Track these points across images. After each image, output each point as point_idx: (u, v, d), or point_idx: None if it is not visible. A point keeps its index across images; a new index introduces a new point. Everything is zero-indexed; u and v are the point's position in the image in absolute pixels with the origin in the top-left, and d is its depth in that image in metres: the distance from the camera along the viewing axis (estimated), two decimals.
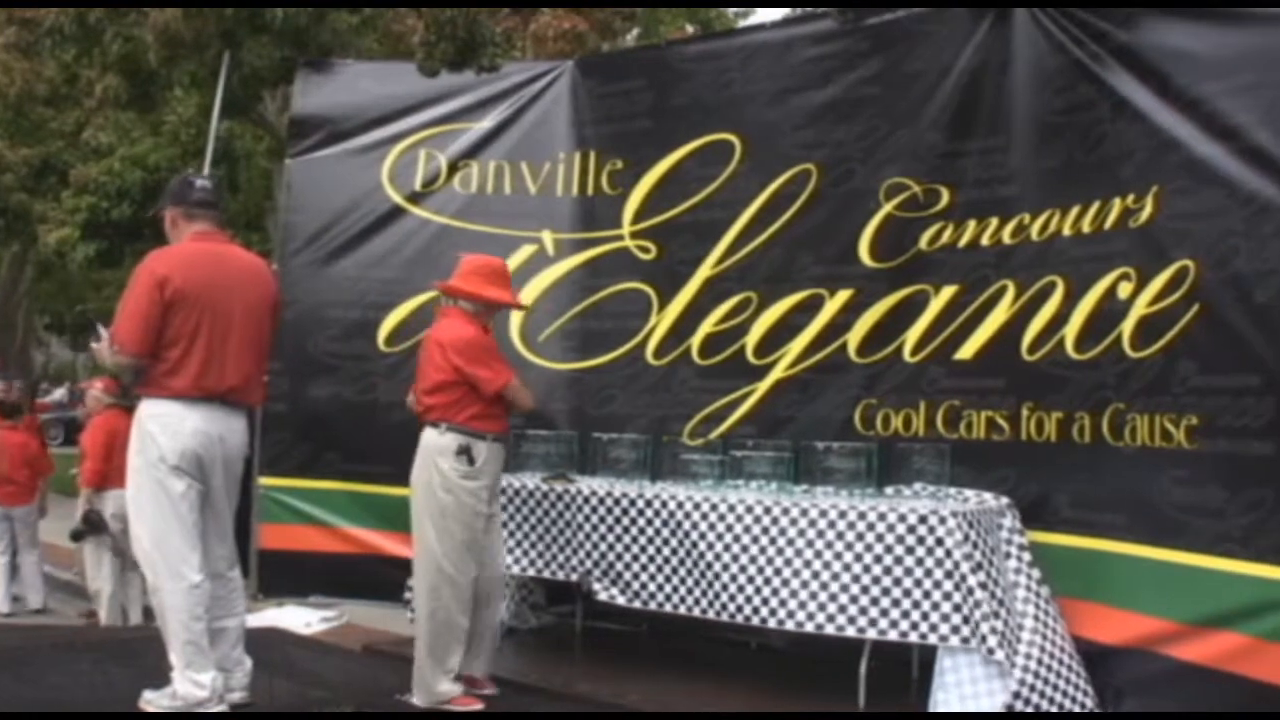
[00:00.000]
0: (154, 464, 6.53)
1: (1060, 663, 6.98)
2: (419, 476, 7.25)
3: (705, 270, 9.49)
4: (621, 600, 7.83)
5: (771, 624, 7.36)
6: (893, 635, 7.01)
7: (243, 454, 6.96)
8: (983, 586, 6.75)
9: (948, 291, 8.40)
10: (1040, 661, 6.88)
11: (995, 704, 6.57)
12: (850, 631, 7.09)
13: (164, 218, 7.00)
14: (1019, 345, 7.91)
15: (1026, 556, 7.36)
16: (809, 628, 7.26)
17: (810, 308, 8.99)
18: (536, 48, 13.64)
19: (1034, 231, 7.96)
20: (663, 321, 9.65)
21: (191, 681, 6.46)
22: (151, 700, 6.61)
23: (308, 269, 10.60)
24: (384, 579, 9.59)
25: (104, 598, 11.50)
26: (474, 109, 10.70)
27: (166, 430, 6.54)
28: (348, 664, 8.42)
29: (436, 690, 7.06)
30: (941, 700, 6.68)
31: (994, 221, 8.21)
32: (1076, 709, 6.93)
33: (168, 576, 6.51)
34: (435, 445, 7.16)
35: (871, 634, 7.08)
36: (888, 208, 8.74)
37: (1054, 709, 6.82)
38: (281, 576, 10.42)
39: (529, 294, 10.10)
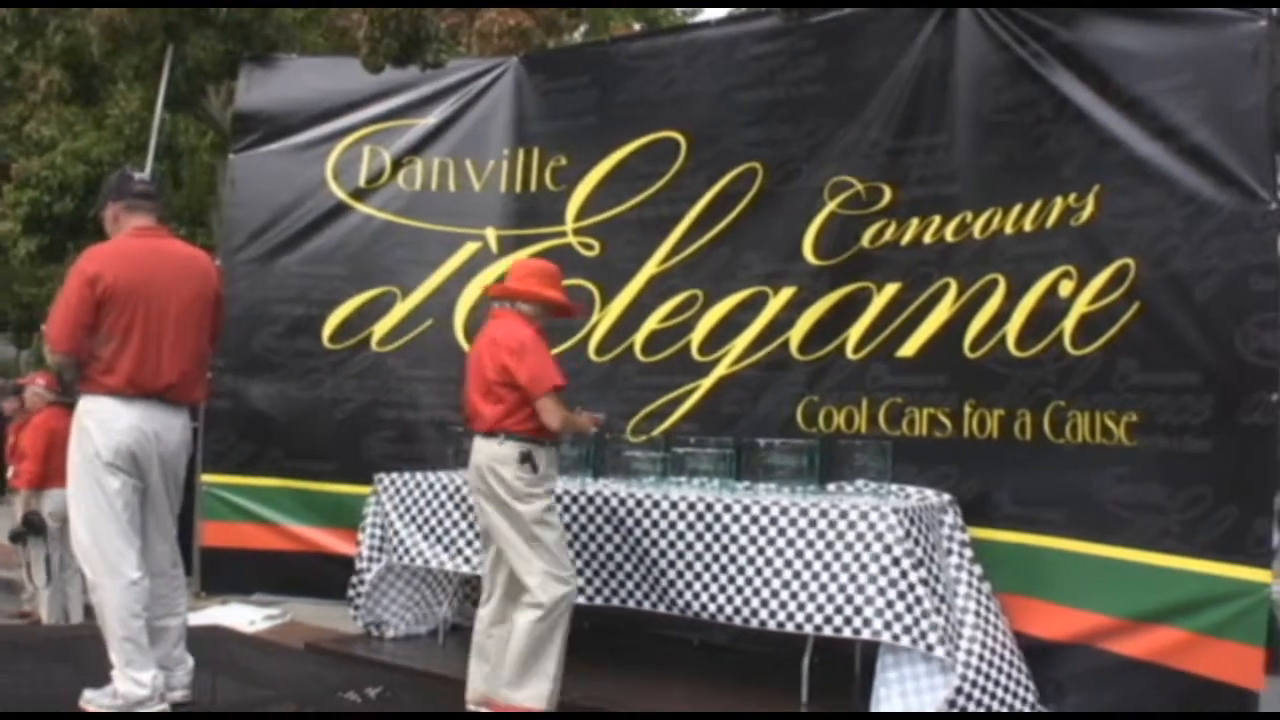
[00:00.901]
0: (90, 460, 6.49)
1: (1002, 659, 7.01)
2: (486, 491, 6.83)
3: (650, 267, 9.51)
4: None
5: (716, 619, 7.36)
6: (828, 631, 7.00)
7: (184, 451, 6.89)
8: (924, 583, 6.75)
9: (890, 289, 8.44)
10: (982, 658, 6.90)
11: (937, 700, 6.59)
12: (789, 627, 7.09)
13: (105, 217, 6.95)
14: (961, 343, 7.96)
15: (968, 553, 7.39)
16: (752, 623, 7.25)
17: (754, 305, 9.03)
18: (481, 44, 13.63)
19: (976, 230, 8.00)
20: (605, 318, 9.67)
21: (132, 680, 6.42)
22: (92, 699, 6.56)
23: (251, 265, 10.55)
24: (327, 577, 9.58)
25: (44, 597, 11.43)
26: (418, 105, 10.69)
27: (102, 427, 6.49)
28: (290, 662, 8.38)
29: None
30: (884, 696, 6.69)
31: (936, 219, 8.26)
32: (1018, 705, 6.95)
33: (106, 573, 6.46)
34: (495, 455, 6.77)
35: (809, 630, 7.07)
36: (831, 206, 8.78)
37: (996, 705, 6.84)
38: (224, 574, 10.37)
39: (472, 291, 10.16)
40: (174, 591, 6.80)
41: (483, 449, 6.79)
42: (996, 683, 6.91)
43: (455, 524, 8.46)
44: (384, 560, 8.83)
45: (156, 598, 6.59)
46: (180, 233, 21.34)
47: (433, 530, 8.54)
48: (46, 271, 27.78)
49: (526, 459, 6.73)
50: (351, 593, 8.88)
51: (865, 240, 8.60)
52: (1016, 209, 7.77)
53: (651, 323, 9.46)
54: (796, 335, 8.80)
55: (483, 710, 6.81)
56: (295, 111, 10.81)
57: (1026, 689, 7.04)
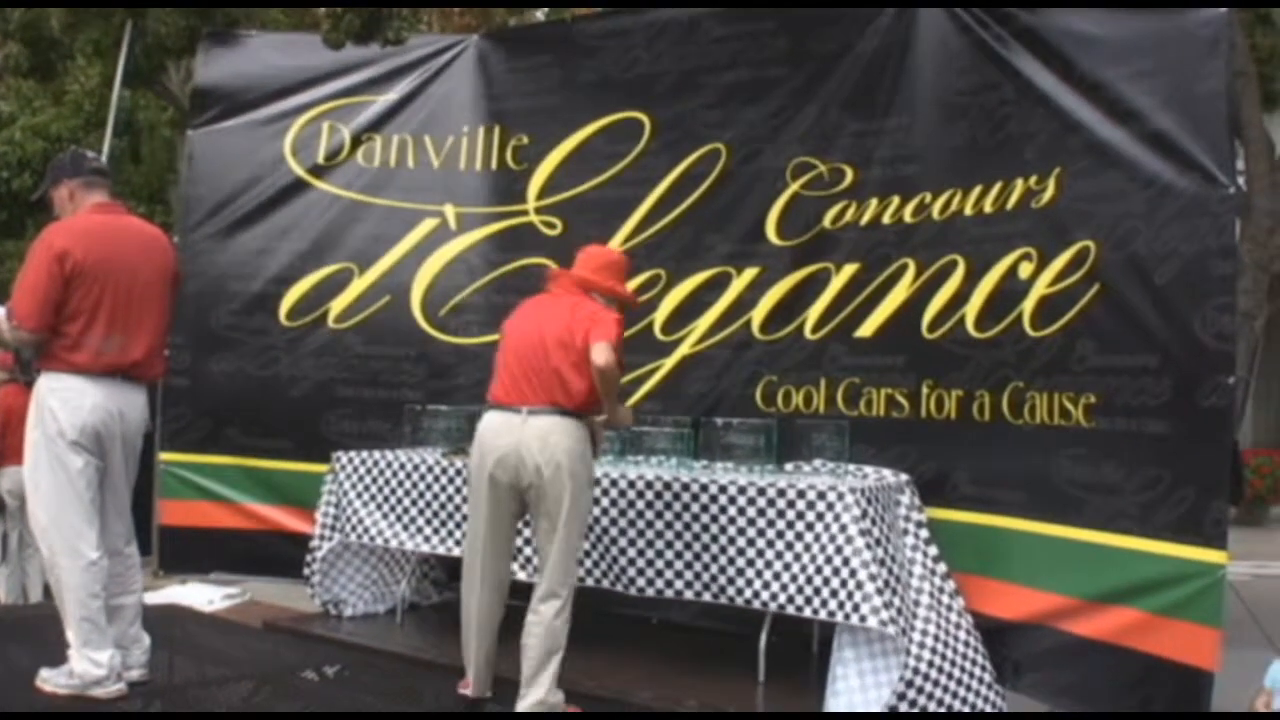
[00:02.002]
0: (53, 439, 6.45)
1: (957, 639, 7.03)
2: (563, 469, 6.52)
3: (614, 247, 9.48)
4: (522, 575, 7.80)
5: (673, 596, 7.39)
6: (790, 610, 7.03)
7: (142, 429, 6.86)
8: (880, 563, 6.77)
9: (849, 269, 8.46)
10: (937, 638, 6.92)
11: (892, 679, 6.59)
12: (739, 601, 7.17)
13: (53, 197, 6.89)
14: (919, 323, 7.97)
15: (924, 533, 7.40)
16: (704, 598, 7.31)
17: (718, 285, 9.05)
18: (443, 21, 13.59)
19: (935, 210, 8.01)
20: None
21: (89, 660, 6.40)
22: (48, 679, 6.54)
23: (209, 242, 10.46)
24: (286, 555, 9.54)
25: (1, 576, 11.37)
26: (379, 82, 10.62)
27: (66, 406, 6.45)
28: (249, 641, 8.37)
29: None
30: (840, 675, 6.70)
31: (895, 200, 8.28)
32: (975, 684, 6.98)
33: (64, 553, 6.43)
34: (582, 437, 6.61)
35: (771, 605, 7.11)
36: (794, 187, 8.80)
37: (952, 684, 6.86)
38: (183, 553, 10.32)
39: (430, 268, 10.15)
40: (129, 570, 6.78)
41: (566, 429, 6.55)
42: (952, 662, 6.93)
43: (414, 502, 8.43)
44: (336, 538, 8.81)
45: (112, 576, 6.58)
46: (139, 210, 21.33)
47: (391, 509, 8.52)
48: (4, 249, 27.64)
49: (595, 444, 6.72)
50: (306, 570, 8.86)
51: (827, 221, 8.62)
52: (976, 190, 7.78)
53: None
54: (758, 315, 8.82)
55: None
56: (254, 88, 10.72)
57: (984, 669, 7.06)
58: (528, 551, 7.55)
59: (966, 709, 6.85)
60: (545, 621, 6.51)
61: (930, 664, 6.78)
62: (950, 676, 6.87)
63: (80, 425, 6.45)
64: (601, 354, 6.44)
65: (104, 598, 6.48)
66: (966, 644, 7.07)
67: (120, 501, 6.78)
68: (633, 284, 9.11)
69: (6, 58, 16.59)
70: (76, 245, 6.48)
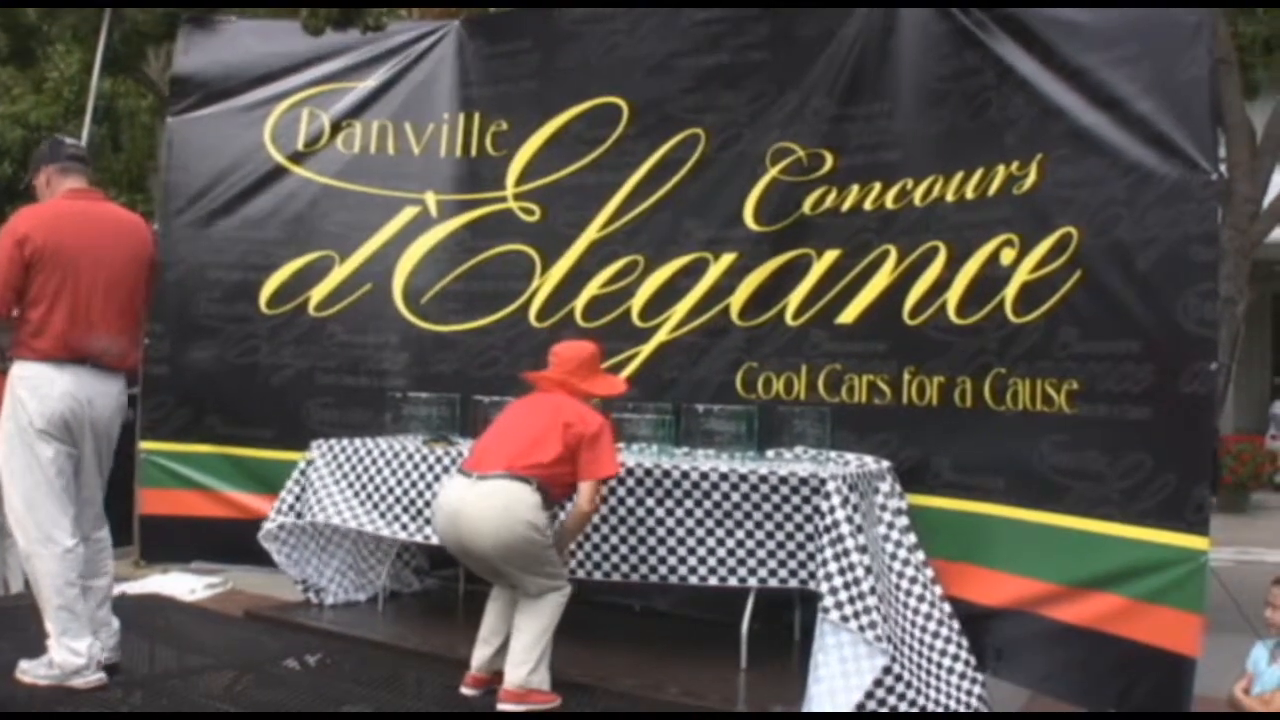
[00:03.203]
0: (24, 428, 6.44)
1: (926, 630, 7.04)
2: (507, 530, 6.55)
3: (591, 233, 9.49)
4: None
5: (653, 580, 7.42)
6: (773, 583, 7.17)
7: (118, 417, 6.83)
8: (861, 550, 6.78)
9: (830, 256, 8.45)
10: (915, 624, 6.94)
11: (875, 666, 6.57)
12: (712, 581, 7.29)
13: (37, 183, 6.88)
14: (901, 310, 7.97)
15: (901, 520, 7.41)
16: (691, 580, 7.35)
17: (695, 271, 9.03)
18: (422, 10, 13.52)
19: (916, 197, 8.01)
20: (546, 283, 9.64)
21: (68, 649, 6.39)
22: (28, 670, 6.52)
23: (189, 229, 10.43)
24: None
25: None
26: (358, 68, 10.60)
27: (35, 394, 6.43)
28: (229, 630, 8.35)
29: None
30: (822, 662, 6.67)
31: (877, 186, 8.27)
32: (958, 667, 6.98)
33: (39, 541, 6.42)
34: (523, 497, 6.54)
35: (752, 582, 7.20)
36: (773, 172, 8.79)
37: (931, 669, 6.87)
38: (164, 542, 10.29)
39: (412, 256, 10.15)
40: (99, 554, 6.76)
41: (509, 490, 6.54)
42: (932, 648, 6.95)
43: (391, 490, 8.42)
44: (290, 518, 8.81)
45: (84, 561, 6.55)
46: (120, 197, 21.27)
47: (369, 496, 8.50)
48: None
49: (549, 508, 6.67)
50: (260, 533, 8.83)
51: (806, 207, 8.61)
52: (958, 176, 7.78)
53: (592, 288, 9.44)
54: (737, 301, 8.81)
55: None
56: (234, 74, 10.69)
57: (957, 659, 7.05)
58: None
59: (935, 703, 6.84)
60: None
61: (913, 649, 6.80)
62: (930, 661, 6.89)
63: (48, 414, 6.43)
64: (587, 496, 6.70)
65: (80, 585, 6.46)
66: (937, 635, 7.07)
67: (92, 489, 6.75)
68: (610, 270, 9.16)
69: None
70: (38, 230, 6.46)
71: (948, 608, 7.21)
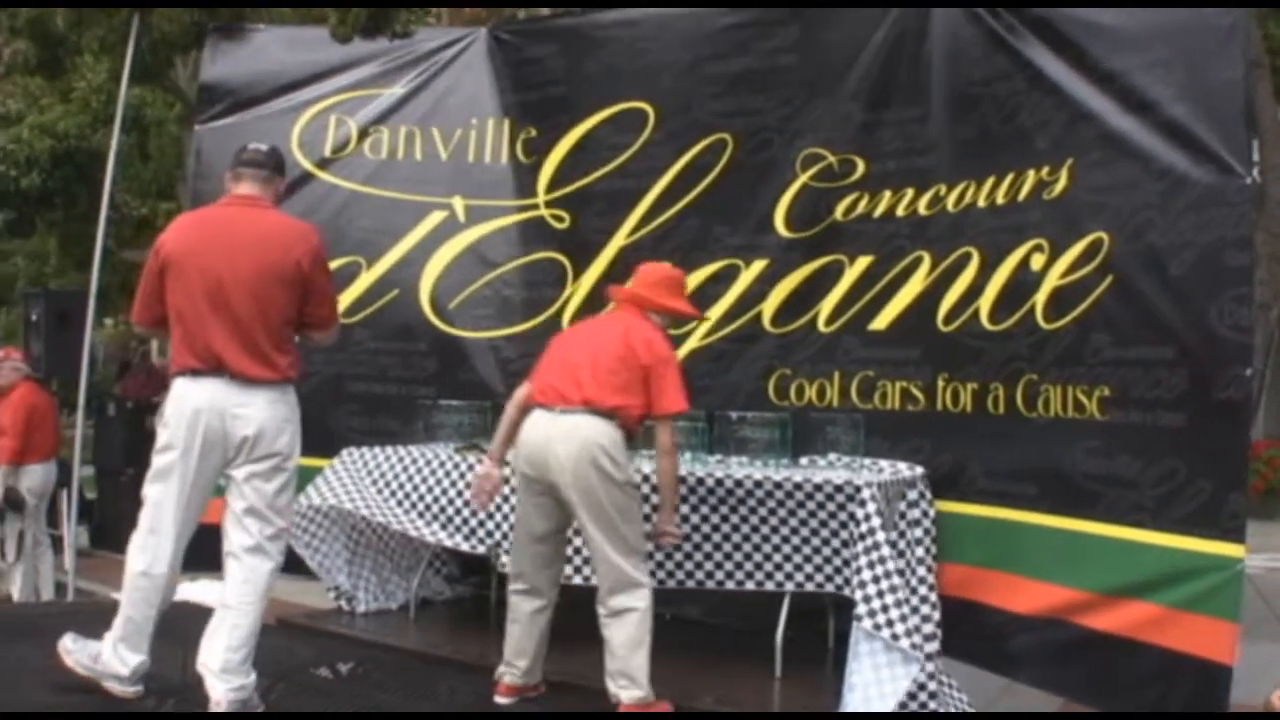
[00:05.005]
0: (162, 449, 6.29)
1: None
2: (589, 469, 6.47)
3: (619, 239, 9.47)
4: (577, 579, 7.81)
5: (689, 585, 7.46)
6: (809, 587, 7.23)
7: (255, 429, 6.29)
8: (897, 556, 6.79)
9: (862, 262, 8.42)
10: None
11: (909, 673, 6.56)
12: (750, 586, 7.33)
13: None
14: (934, 316, 7.94)
15: (916, 532, 7.46)
16: (728, 585, 7.38)
17: (725, 278, 8.98)
18: (451, 14, 13.55)
19: (950, 203, 7.99)
20: (578, 291, 9.62)
21: (118, 657, 6.33)
22: (72, 650, 6.44)
23: None
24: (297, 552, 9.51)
25: (17, 575, 11.37)
26: (386, 75, 10.58)
27: (172, 406, 6.26)
28: (261, 637, 8.29)
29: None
30: (855, 669, 6.67)
31: (910, 192, 8.24)
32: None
33: (133, 550, 6.38)
34: (606, 433, 6.51)
35: (789, 587, 7.25)
36: (803, 178, 8.75)
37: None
38: (194, 549, 10.25)
39: (439, 261, 10.09)
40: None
41: (590, 425, 6.47)
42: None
43: (422, 496, 8.42)
44: (317, 500, 8.75)
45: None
46: (146, 204, 21.32)
47: (401, 500, 8.50)
48: (12, 247, 27.64)
49: (630, 444, 6.65)
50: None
51: (838, 213, 8.58)
52: (989, 181, 7.75)
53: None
54: (769, 308, 8.77)
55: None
56: (261, 82, 10.69)
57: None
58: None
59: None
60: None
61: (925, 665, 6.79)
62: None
63: (177, 428, 6.22)
64: (666, 434, 6.65)
65: (158, 607, 6.39)
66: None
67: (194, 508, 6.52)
68: None
69: (13, 54, 16.52)
70: (172, 237, 6.34)
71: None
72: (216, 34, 11.10)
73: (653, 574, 7.29)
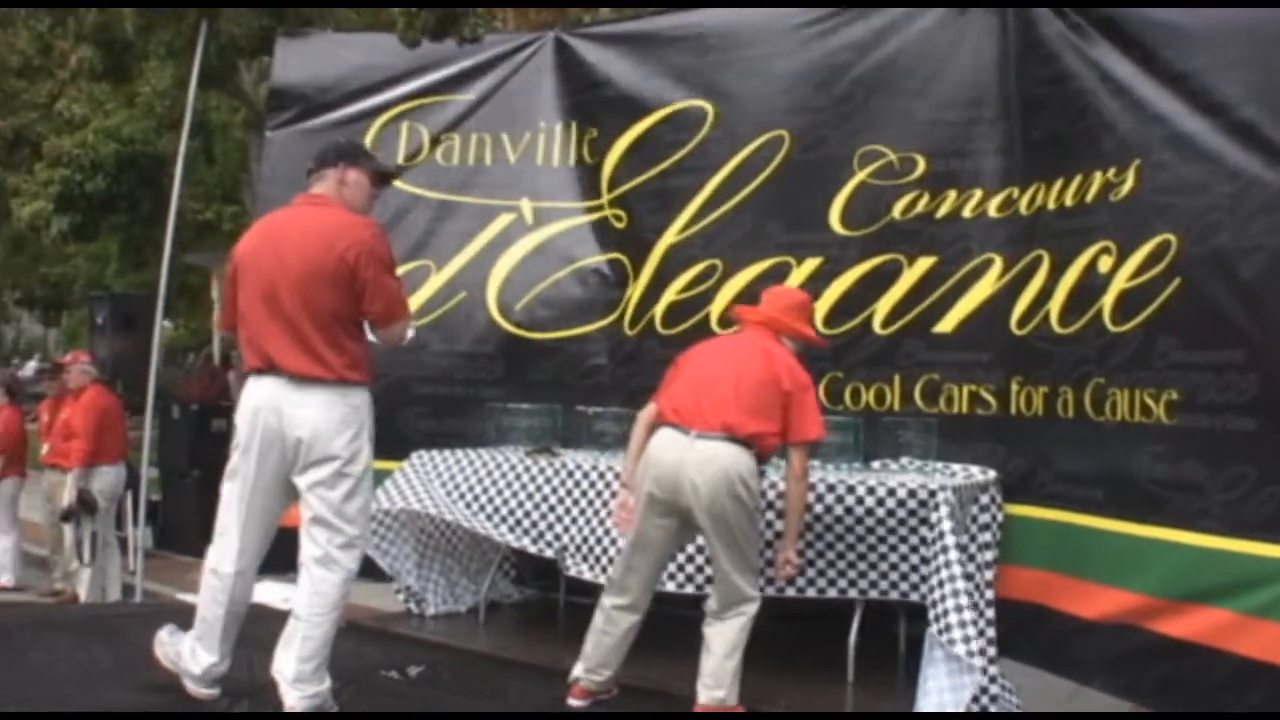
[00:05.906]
0: (233, 448, 6.32)
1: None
2: (725, 495, 6.41)
3: (669, 237, 9.50)
4: (588, 575, 7.77)
5: (768, 592, 7.33)
6: (873, 594, 7.27)
7: (309, 431, 6.15)
8: (969, 560, 6.79)
9: (923, 263, 8.44)
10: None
11: (975, 680, 6.54)
12: (830, 593, 7.37)
13: None
14: (1008, 319, 7.94)
15: (985, 536, 7.49)
16: (810, 593, 7.41)
17: (776, 275, 8.90)
18: (518, 19, 13.59)
19: (1022, 205, 7.98)
20: (636, 291, 9.65)
21: (192, 656, 6.37)
22: (165, 642, 6.51)
23: None
24: (364, 554, 9.54)
25: (85, 576, 11.45)
26: (456, 80, 10.63)
27: (240, 406, 6.30)
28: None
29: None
30: (930, 675, 6.66)
31: (977, 193, 8.24)
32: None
33: (210, 548, 6.41)
34: (744, 462, 6.45)
35: (852, 594, 7.28)
36: (861, 175, 8.75)
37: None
38: (279, 553, 10.33)
39: (506, 263, 10.15)
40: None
41: (728, 454, 6.40)
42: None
43: (500, 494, 8.46)
44: (397, 504, 8.68)
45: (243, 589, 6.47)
46: (210, 208, 21.45)
47: (476, 498, 8.53)
48: (74, 250, 27.86)
49: (762, 473, 6.64)
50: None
51: (896, 211, 8.58)
52: (1059, 184, 7.73)
53: (670, 294, 9.43)
54: (821, 307, 8.60)
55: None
56: (331, 88, 10.79)
57: None
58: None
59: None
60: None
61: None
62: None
63: (242, 428, 6.24)
64: (799, 462, 6.61)
65: (230, 608, 6.37)
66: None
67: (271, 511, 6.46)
68: (687, 275, 9.12)
69: (79, 60, 16.67)
70: (243, 242, 6.39)
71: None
72: (285, 38, 11.18)
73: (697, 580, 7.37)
